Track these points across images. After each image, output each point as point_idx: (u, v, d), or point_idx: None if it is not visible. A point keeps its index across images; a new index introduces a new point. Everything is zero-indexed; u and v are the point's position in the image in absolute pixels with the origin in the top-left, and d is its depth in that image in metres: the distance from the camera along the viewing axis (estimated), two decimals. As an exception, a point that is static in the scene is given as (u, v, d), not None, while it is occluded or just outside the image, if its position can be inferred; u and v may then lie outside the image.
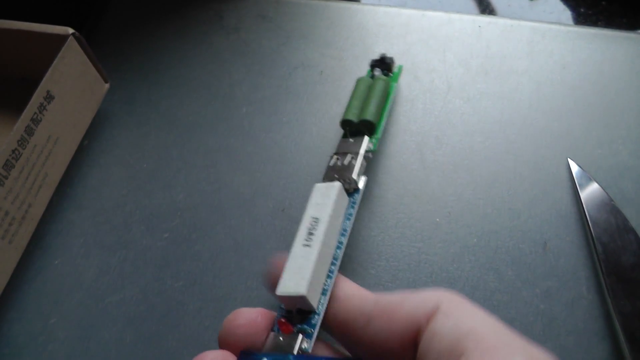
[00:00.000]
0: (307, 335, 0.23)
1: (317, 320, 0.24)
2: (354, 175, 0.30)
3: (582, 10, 0.43)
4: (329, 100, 0.38)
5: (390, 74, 0.37)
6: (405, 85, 0.39)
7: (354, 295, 0.23)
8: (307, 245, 0.25)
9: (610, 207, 0.32)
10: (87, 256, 0.34)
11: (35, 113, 0.32)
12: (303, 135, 0.37)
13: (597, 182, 0.33)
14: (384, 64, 0.37)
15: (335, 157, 0.32)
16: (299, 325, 0.24)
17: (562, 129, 0.36)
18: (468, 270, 0.32)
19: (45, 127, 0.33)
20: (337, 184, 0.28)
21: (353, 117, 0.33)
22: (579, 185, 0.33)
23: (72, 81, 0.34)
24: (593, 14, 0.43)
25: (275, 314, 0.25)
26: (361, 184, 0.30)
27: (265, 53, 0.41)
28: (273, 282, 0.25)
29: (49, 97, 0.33)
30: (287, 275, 0.24)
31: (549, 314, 0.30)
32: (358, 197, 0.29)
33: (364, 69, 0.39)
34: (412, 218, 0.33)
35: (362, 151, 0.31)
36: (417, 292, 0.21)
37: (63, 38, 0.34)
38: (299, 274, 0.24)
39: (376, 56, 0.38)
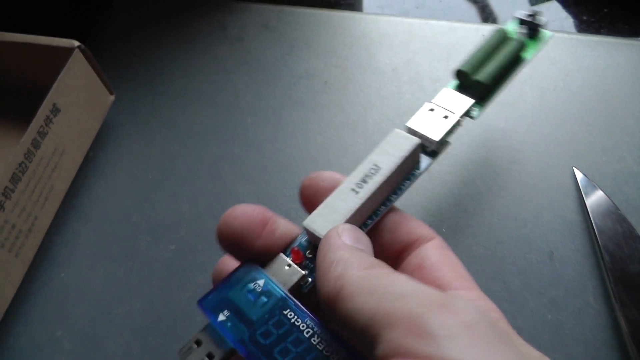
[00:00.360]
0: (311, 274, 0.23)
1: None
2: (436, 136, 0.26)
3: (584, 17, 0.43)
4: (333, 110, 0.39)
5: (534, 37, 0.32)
6: (410, 94, 0.39)
7: None
8: (355, 191, 0.24)
9: (616, 215, 0.32)
10: (93, 268, 0.34)
11: (41, 126, 0.32)
12: (308, 144, 0.37)
13: (602, 190, 0.33)
14: (532, 24, 0.32)
15: (430, 105, 0.28)
16: (309, 262, 0.23)
17: (566, 137, 0.36)
18: (475, 280, 0.31)
19: (51, 139, 0.33)
20: (415, 140, 0.25)
21: (469, 69, 0.30)
22: (585, 194, 0.33)
23: (78, 93, 0.35)
24: (595, 21, 0.43)
25: (273, 214, 0.24)
26: (441, 150, 0.27)
27: (269, 63, 0.41)
28: (307, 203, 0.25)
29: (55, 110, 0.33)
30: (320, 211, 0.23)
31: (556, 323, 0.30)
32: (428, 163, 0.26)
33: (368, 79, 0.40)
34: (418, 227, 0.33)
35: (459, 112, 0.28)
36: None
37: (69, 51, 0.34)
38: (332, 216, 0.23)
39: (527, 11, 0.32)
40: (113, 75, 0.40)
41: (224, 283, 0.23)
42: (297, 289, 0.23)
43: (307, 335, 0.21)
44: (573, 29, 0.43)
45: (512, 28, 0.32)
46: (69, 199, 0.36)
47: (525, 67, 0.39)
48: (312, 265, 0.23)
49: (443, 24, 0.42)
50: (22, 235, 0.32)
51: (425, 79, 0.39)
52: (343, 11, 0.44)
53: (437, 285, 0.22)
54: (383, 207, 0.25)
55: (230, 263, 0.24)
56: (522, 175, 0.35)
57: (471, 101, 0.29)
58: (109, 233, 0.35)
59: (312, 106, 0.39)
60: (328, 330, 0.21)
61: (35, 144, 0.32)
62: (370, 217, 0.24)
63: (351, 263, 0.20)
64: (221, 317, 0.22)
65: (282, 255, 0.23)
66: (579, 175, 0.34)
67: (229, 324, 0.22)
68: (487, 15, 0.44)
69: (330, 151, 0.37)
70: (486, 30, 0.41)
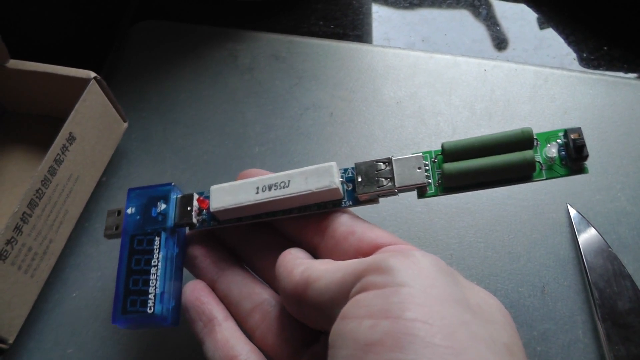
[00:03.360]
0: (200, 225, 0.30)
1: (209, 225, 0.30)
2: (361, 191, 0.28)
3: (584, 55, 0.44)
4: (338, 142, 0.40)
5: (568, 166, 0.27)
6: (412, 128, 0.40)
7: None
8: (256, 191, 0.28)
9: (607, 253, 0.33)
10: (104, 289, 0.36)
11: (58, 154, 0.34)
12: (312, 175, 0.39)
13: (595, 228, 0.34)
14: (578, 151, 0.26)
15: (393, 158, 0.28)
16: (205, 213, 0.30)
17: (562, 174, 0.37)
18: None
19: (67, 166, 0.34)
20: (334, 185, 0.27)
21: (448, 150, 0.27)
22: (577, 231, 0.35)
23: (93, 122, 0.36)
24: (595, 59, 0.44)
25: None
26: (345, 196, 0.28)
27: (278, 93, 0.43)
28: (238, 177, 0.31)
29: (71, 139, 0.35)
30: (226, 187, 0.29)
31: (545, 357, 0.31)
32: (348, 205, 0.28)
33: (372, 111, 0.41)
34: (416, 259, 0.35)
35: (399, 184, 0.27)
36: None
37: (85, 81, 0.36)
38: (229, 197, 0.29)
39: (571, 126, 0.27)
40: (126, 102, 0.41)
41: (150, 189, 0.31)
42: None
43: (153, 263, 0.29)
44: (573, 66, 0.44)
45: (545, 138, 0.28)
46: (82, 223, 0.38)
47: (525, 103, 0.40)
48: (205, 217, 0.30)
49: (447, 58, 0.44)
50: (37, 257, 0.33)
51: (427, 112, 0.41)
52: (351, 42, 0.46)
53: None
54: (282, 213, 0.29)
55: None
56: (517, 210, 0.36)
57: (425, 181, 0.27)
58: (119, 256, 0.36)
59: (318, 138, 0.40)
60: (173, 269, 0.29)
61: (52, 171, 0.33)
62: (266, 215, 0.29)
63: (311, 261, 0.25)
64: (129, 210, 0.31)
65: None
66: (573, 212, 0.35)
67: (131, 217, 0.30)
68: (499, 41, 0.45)
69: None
70: (488, 65, 0.42)
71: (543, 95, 0.41)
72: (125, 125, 0.40)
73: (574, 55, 0.45)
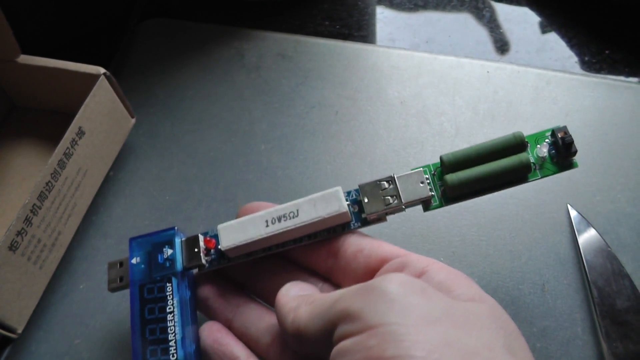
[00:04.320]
0: (210, 265, 0.30)
1: (217, 264, 0.30)
2: (369, 210, 0.28)
3: (586, 58, 0.45)
4: (343, 140, 0.41)
5: (558, 162, 0.29)
6: (416, 127, 0.41)
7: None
8: (266, 224, 0.29)
9: (606, 253, 0.34)
10: (111, 282, 0.36)
11: (67, 148, 0.34)
12: (318, 173, 0.39)
13: (594, 228, 0.35)
14: (566, 147, 0.28)
15: (391, 178, 0.29)
16: (214, 253, 0.30)
17: (563, 175, 0.37)
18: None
19: (75, 160, 0.35)
20: (343, 209, 0.28)
21: (449, 160, 0.29)
22: (577, 231, 0.35)
23: (102, 117, 0.37)
24: (597, 62, 0.45)
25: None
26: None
27: (284, 92, 0.43)
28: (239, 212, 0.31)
29: (81, 133, 0.35)
30: (234, 224, 0.29)
31: (545, 353, 0.32)
32: (357, 226, 0.29)
33: (377, 110, 0.42)
34: (418, 256, 0.35)
35: (406, 199, 0.28)
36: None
37: (95, 77, 0.36)
38: (238, 234, 0.29)
39: (563, 131, 0.28)
40: (135, 98, 0.42)
41: (152, 236, 0.30)
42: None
43: (168, 310, 0.28)
44: (575, 69, 0.44)
45: (534, 140, 0.29)
46: (89, 216, 0.38)
47: (527, 105, 0.41)
48: (213, 256, 0.30)
49: (451, 59, 0.44)
50: (46, 249, 0.34)
51: (431, 112, 0.41)
52: (356, 43, 0.46)
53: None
54: (292, 243, 0.29)
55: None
56: (518, 210, 0.37)
57: (429, 194, 0.29)
58: (125, 250, 0.37)
59: (323, 135, 0.41)
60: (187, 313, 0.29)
61: (61, 165, 0.34)
62: (277, 247, 0.29)
63: (298, 308, 0.25)
64: (134, 260, 0.30)
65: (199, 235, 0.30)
66: (573, 213, 0.36)
67: (136, 266, 0.30)
68: (501, 44, 0.46)
69: (339, 180, 0.39)
70: (492, 67, 0.43)
71: (545, 98, 0.41)
72: (133, 121, 0.40)
73: (575, 58, 0.45)
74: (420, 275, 0.26)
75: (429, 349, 0.19)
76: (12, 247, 0.31)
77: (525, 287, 0.34)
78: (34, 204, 0.32)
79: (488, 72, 0.43)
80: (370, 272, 0.27)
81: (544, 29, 0.47)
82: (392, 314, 0.21)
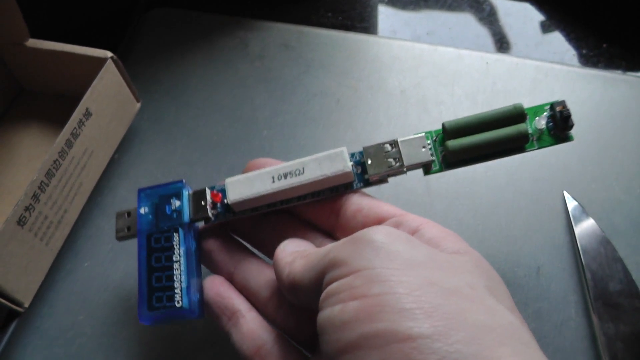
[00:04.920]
0: (215, 219, 0.31)
1: (224, 217, 0.31)
2: (372, 171, 0.29)
3: (584, 51, 0.46)
4: (343, 128, 0.41)
5: (555, 135, 0.29)
6: (415, 116, 0.41)
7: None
8: (272, 180, 0.29)
9: (600, 238, 0.35)
10: (114, 260, 0.37)
11: (74, 128, 0.35)
12: (318, 158, 0.40)
13: (589, 215, 0.36)
14: (563, 120, 0.29)
15: (394, 142, 0.30)
16: (220, 206, 0.31)
17: (560, 164, 0.39)
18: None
19: (82, 141, 0.36)
20: (347, 169, 0.29)
21: (450, 128, 0.29)
22: (573, 217, 0.36)
23: (109, 100, 0.38)
24: (594, 56, 0.45)
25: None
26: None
27: (286, 80, 0.44)
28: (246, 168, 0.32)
29: (88, 114, 0.36)
30: (241, 179, 0.30)
31: (539, 333, 0.33)
32: (360, 186, 0.30)
33: (377, 99, 0.42)
34: (416, 239, 0.36)
35: (408, 162, 0.29)
36: None
37: (102, 61, 0.37)
38: (244, 188, 0.29)
39: (562, 105, 0.29)
40: (140, 83, 0.43)
41: (160, 187, 0.31)
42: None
43: (175, 259, 0.29)
44: (573, 62, 0.45)
45: (534, 112, 0.30)
46: (94, 197, 0.39)
47: (525, 96, 0.42)
48: (219, 210, 0.31)
49: (451, 50, 0.45)
50: (52, 226, 0.35)
51: (430, 102, 0.42)
52: (358, 34, 0.47)
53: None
54: (296, 200, 0.30)
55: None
56: (515, 197, 0.37)
57: (430, 159, 0.29)
58: (130, 230, 0.38)
59: (324, 123, 0.42)
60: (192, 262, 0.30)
61: (69, 144, 0.35)
62: (281, 203, 0.30)
63: (293, 262, 0.26)
64: (142, 210, 0.31)
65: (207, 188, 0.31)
66: (569, 200, 0.37)
67: (144, 216, 0.31)
68: (501, 43, 0.47)
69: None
70: (491, 59, 0.44)
71: (543, 89, 0.42)
72: (139, 105, 0.41)
73: (574, 51, 0.46)
74: (413, 232, 0.27)
75: (412, 287, 0.20)
76: (21, 221, 0.32)
77: (521, 270, 0.35)
78: (42, 181, 0.33)
79: (487, 63, 0.44)
80: None
81: (543, 23, 0.48)
82: (377, 260, 0.22)
